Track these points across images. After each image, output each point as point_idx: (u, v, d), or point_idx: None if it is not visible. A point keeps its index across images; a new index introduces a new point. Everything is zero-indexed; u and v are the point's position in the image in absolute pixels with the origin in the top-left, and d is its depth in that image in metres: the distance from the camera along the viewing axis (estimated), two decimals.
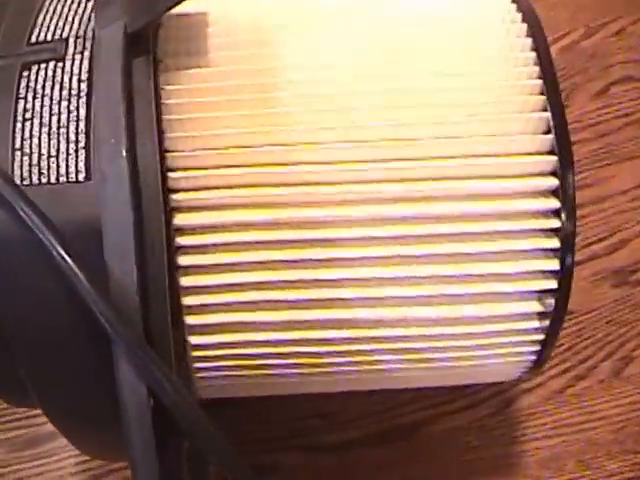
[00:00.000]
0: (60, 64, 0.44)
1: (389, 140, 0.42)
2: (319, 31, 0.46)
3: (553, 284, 0.44)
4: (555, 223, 0.44)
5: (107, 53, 0.41)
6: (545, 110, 0.43)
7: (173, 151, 0.42)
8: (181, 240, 0.42)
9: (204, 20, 0.46)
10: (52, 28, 0.46)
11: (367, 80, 0.44)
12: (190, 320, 0.43)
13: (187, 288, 0.42)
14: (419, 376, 0.48)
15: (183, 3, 0.41)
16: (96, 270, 0.38)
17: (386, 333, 0.45)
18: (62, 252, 0.37)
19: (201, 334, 0.43)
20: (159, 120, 0.42)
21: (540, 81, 0.44)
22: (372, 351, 0.45)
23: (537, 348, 0.46)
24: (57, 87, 0.43)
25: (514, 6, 0.47)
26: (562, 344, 0.64)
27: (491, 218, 0.43)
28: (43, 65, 0.44)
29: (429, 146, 0.43)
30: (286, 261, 0.42)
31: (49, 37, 0.46)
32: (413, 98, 0.43)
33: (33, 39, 0.46)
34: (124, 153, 0.39)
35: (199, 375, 0.45)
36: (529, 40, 0.45)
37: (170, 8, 0.42)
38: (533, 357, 0.47)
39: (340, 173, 0.42)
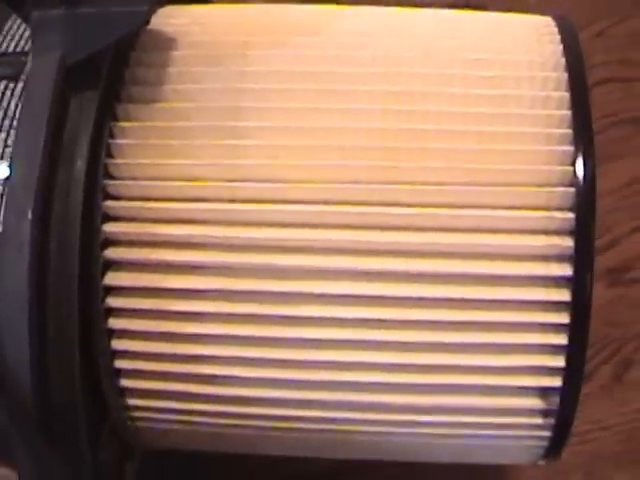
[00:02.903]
0: (12, 85, 0.36)
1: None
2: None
3: (558, 382, 0.35)
4: (564, 318, 0.34)
5: (36, 92, 0.33)
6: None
7: (117, 198, 0.35)
8: (112, 301, 0.35)
9: (183, 41, 0.37)
10: (17, 37, 0.38)
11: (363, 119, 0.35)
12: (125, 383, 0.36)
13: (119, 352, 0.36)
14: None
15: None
16: None
17: (369, 417, 0.37)
18: None
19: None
20: (96, 168, 0.34)
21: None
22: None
23: (545, 443, 0.37)
24: (0, 114, 0.35)
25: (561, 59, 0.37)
26: None
27: (495, 307, 0.34)
28: None
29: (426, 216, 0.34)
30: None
31: (11, 48, 0.38)
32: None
33: None
34: (29, 215, 0.31)
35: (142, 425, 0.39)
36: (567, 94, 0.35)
37: (109, 44, 0.34)
38: (541, 450, 0.38)
39: (319, 231, 0.34)
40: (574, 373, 0.34)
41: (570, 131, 0.34)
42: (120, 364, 0.36)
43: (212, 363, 0.35)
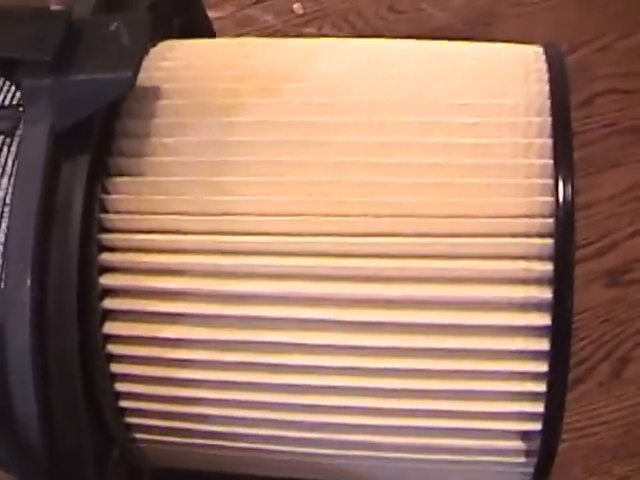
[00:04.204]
0: (8, 140, 0.36)
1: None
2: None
3: (537, 426, 0.35)
4: (544, 366, 0.34)
5: (28, 161, 0.33)
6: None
7: (112, 250, 0.36)
8: (112, 348, 0.36)
9: (173, 89, 0.37)
10: (13, 89, 0.38)
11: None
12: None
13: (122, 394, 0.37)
14: None
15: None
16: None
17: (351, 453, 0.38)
18: None
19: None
20: (91, 223, 0.35)
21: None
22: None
23: (528, 477, 0.38)
24: None
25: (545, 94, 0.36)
26: None
27: (477, 356, 0.35)
28: None
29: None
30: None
31: (7, 100, 0.38)
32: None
33: None
34: (28, 282, 0.32)
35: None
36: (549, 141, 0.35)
37: (98, 110, 0.34)
38: None
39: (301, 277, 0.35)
40: (553, 418, 0.34)
41: (551, 181, 0.34)
42: (124, 404, 0.37)
43: (205, 405, 0.37)
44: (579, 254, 0.62)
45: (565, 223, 0.33)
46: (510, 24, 0.67)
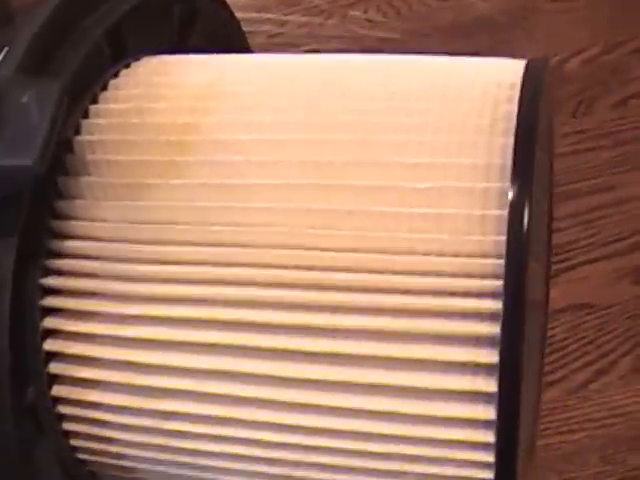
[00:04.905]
0: None
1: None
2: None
3: None
4: (490, 457, 0.32)
5: None
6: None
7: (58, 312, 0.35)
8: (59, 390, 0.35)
9: (118, 143, 0.35)
10: None
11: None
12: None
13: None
14: None
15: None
16: None
17: None
18: None
19: None
20: (29, 292, 0.34)
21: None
22: None
23: None
24: None
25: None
26: (584, 337, 0.60)
27: (422, 443, 0.33)
28: None
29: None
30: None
31: None
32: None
33: None
34: None
35: None
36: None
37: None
38: None
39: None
40: None
41: (501, 261, 0.31)
42: (82, 456, 0.37)
43: (134, 460, 0.37)
44: (610, 249, 0.64)
45: (512, 312, 0.30)
46: (548, 20, 0.68)
